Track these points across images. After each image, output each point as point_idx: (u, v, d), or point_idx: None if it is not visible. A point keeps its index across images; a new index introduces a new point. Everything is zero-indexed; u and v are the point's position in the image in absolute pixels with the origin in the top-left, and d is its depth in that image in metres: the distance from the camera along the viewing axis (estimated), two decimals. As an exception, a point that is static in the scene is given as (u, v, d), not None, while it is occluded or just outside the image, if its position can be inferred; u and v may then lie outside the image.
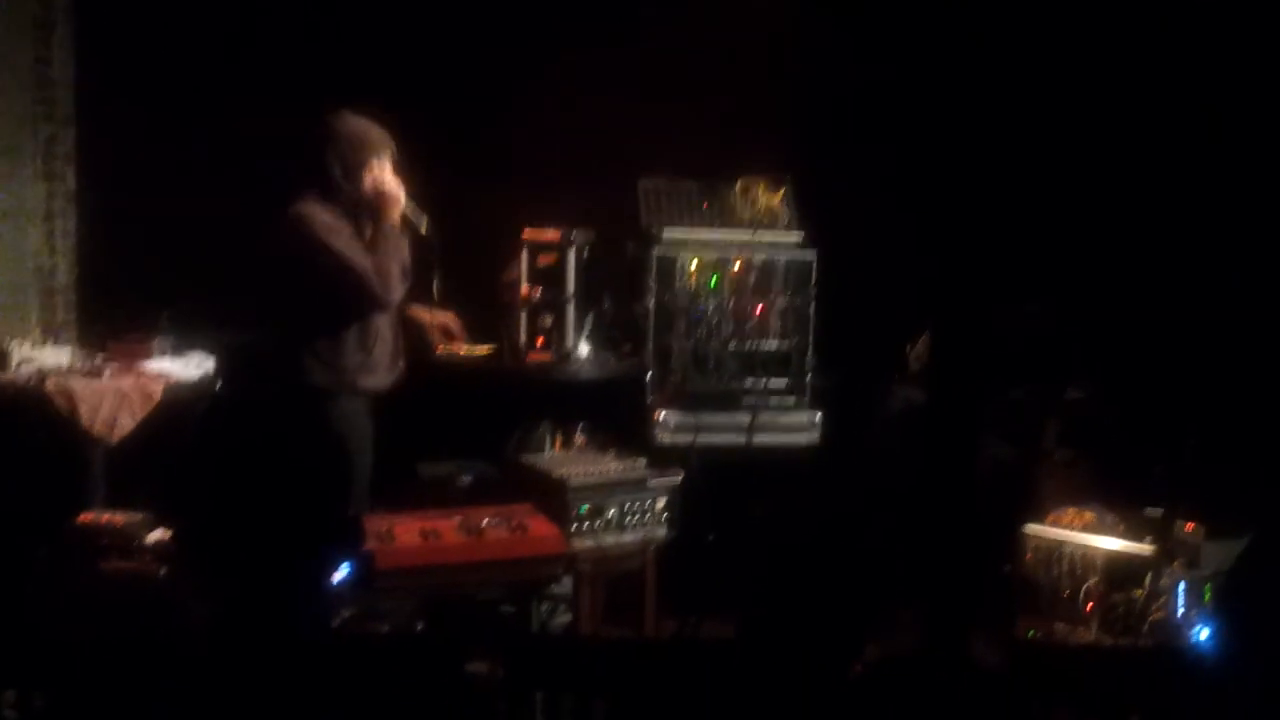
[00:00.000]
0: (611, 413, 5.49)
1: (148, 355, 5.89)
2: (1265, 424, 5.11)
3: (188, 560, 4.08)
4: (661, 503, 4.98)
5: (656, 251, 5.61)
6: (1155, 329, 5.82)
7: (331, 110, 5.02)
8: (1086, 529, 4.81)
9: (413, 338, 5.32)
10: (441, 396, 5.38)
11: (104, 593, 4.25)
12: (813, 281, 5.69)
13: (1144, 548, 4.66)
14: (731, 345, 5.67)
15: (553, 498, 4.73)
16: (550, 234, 5.60)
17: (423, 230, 5.11)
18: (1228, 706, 2.93)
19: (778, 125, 6.28)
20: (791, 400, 5.67)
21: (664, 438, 5.47)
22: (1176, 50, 5.84)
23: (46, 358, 5.72)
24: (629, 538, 4.90)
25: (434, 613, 4.18)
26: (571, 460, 5.05)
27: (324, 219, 4.85)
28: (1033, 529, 4.89)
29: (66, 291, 6.88)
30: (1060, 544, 4.80)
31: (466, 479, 5.16)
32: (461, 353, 5.66)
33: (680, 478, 5.08)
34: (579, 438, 5.33)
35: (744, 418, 5.54)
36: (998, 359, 5.55)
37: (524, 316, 5.58)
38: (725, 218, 5.77)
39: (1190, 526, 4.65)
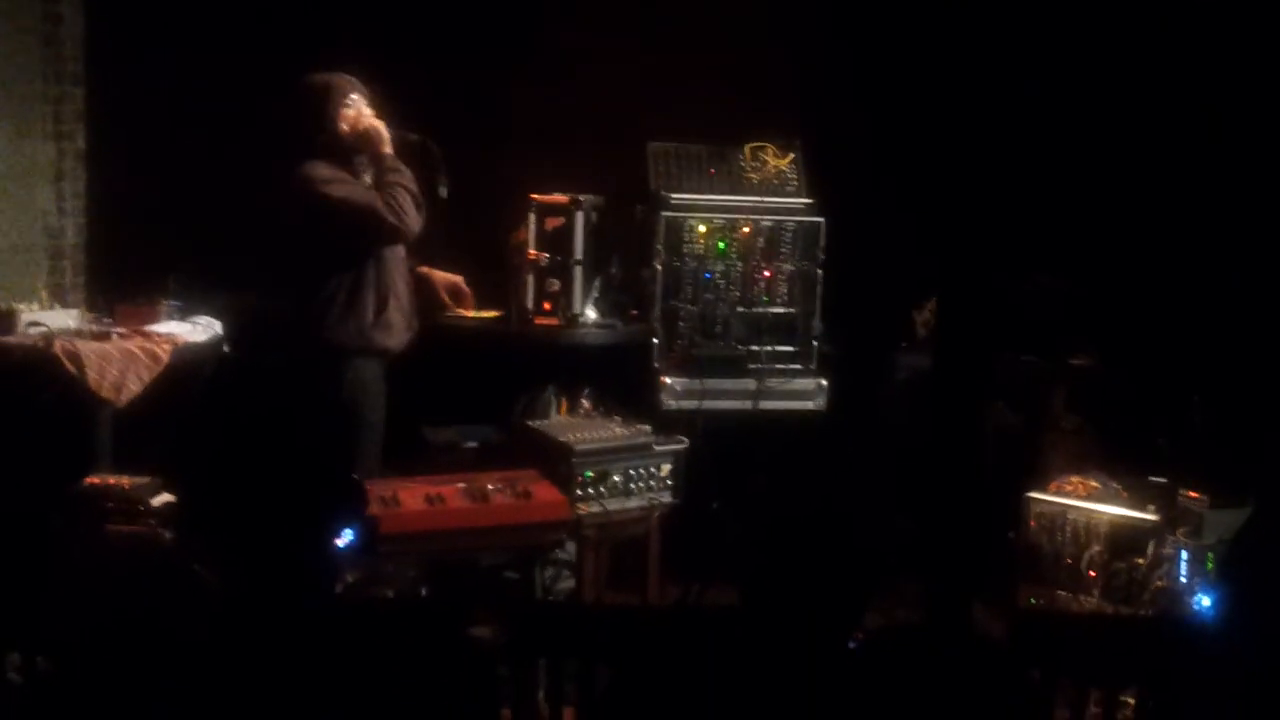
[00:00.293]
0: (618, 378, 5.49)
1: (155, 318, 5.90)
2: (1269, 393, 5.10)
3: (193, 524, 4.10)
4: (666, 469, 4.98)
5: (664, 215, 5.60)
6: (1162, 297, 5.81)
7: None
8: (1090, 497, 4.81)
9: (422, 298, 5.33)
10: (447, 360, 5.39)
11: (110, 556, 4.26)
12: (820, 247, 5.68)
13: (1147, 516, 4.65)
14: (739, 310, 5.66)
15: (558, 463, 4.74)
16: (558, 198, 5.59)
17: (412, 138, 5.08)
18: (1230, 675, 2.93)
19: (787, 90, 6.25)
20: (798, 366, 5.66)
21: (670, 403, 5.46)
22: (1184, 19, 5.80)
23: (54, 320, 5.73)
24: (633, 504, 4.91)
25: (438, 578, 4.19)
26: (577, 425, 5.06)
27: (323, 173, 4.87)
28: (1036, 496, 4.89)
29: (75, 253, 6.88)
30: (1064, 511, 4.79)
31: (471, 444, 5.17)
32: (469, 315, 5.67)
33: (686, 444, 5.08)
34: (585, 403, 5.33)
35: (750, 384, 5.54)
36: (1004, 326, 5.54)
37: (531, 280, 5.56)
38: (734, 182, 5.76)
39: (1194, 495, 4.64)
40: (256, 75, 6.25)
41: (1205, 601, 4.34)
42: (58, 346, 5.48)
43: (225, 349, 5.99)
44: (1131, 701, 3.28)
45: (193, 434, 5.42)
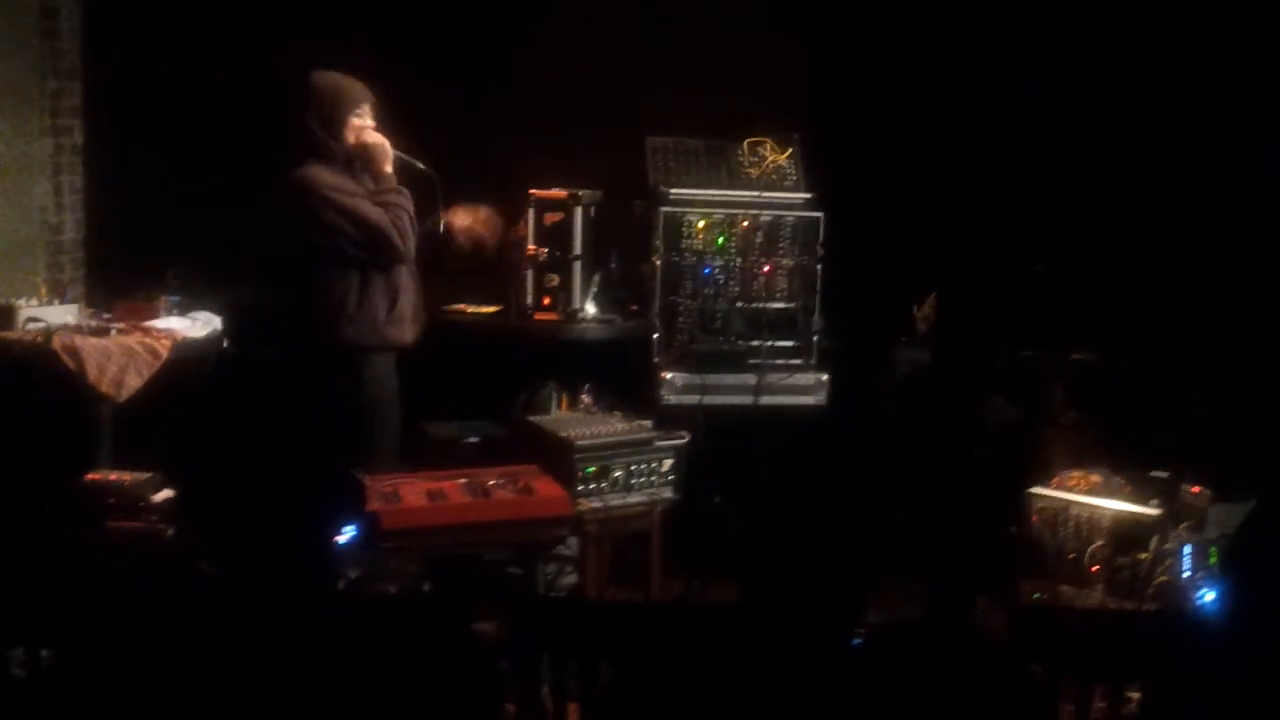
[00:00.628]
0: (618, 373, 5.49)
1: (154, 313, 5.88)
2: (1272, 386, 5.10)
3: (194, 519, 4.09)
4: (668, 464, 4.98)
5: (663, 210, 5.59)
6: (1162, 289, 5.80)
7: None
8: (1092, 491, 4.79)
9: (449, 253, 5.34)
10: (448, 356, 5.39)
11: (111, 552, 4.26)
12: (820, 241, 5.67)
13: (1150, 510, 4.64)
14: (738, 305, 5.66)
15: (559, 458, 4.74)
16: (557, 193, 5.58)
17: (420, 167, 5.11)
18: (1234, 670, 2.93)
19: (786, 84, 6.24)
20: (798, 361, 5.66)
21: (670, 398, 5.47)
22: (1183, 9, 5.80)
23: (53, 315, 5.71)
24: (635, 499, 4.91)
25: (440, 573, 4.19)
26: (578, 421, 5.06)
27: (330, 179, 4.88)
28: (1038, 491, 4.87)
29: (74, 248, 6.87)
30: (1066, 506, 4.78)
31: (472, 439, 5.17)
32: (468, 311, 5.67)
33: (686, 439, 5.08)
34: (585, 398, 5.33)
35: (750, 379, 5.54)
36: (1004, 321, 5.54)
37: (530, 276, 5.56)
38: (733, 177, 5.75)
39: (1196, 489, 4.63)
40: (254, 68, 6.25)
41: (1209, 596, 4.33)
42: (57, 342, 5.46)
43: (225, 344, 5.98)
44: (1135, 697, 3.28)
45: (193, 430, 5.41)
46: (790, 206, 5.70)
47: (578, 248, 5.55)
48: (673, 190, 5.63)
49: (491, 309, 5.71)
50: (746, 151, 5.79)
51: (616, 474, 4.85)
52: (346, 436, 4.85)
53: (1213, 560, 4.47)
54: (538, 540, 4.38)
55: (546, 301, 5.56)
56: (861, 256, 5.84)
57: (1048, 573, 4.78)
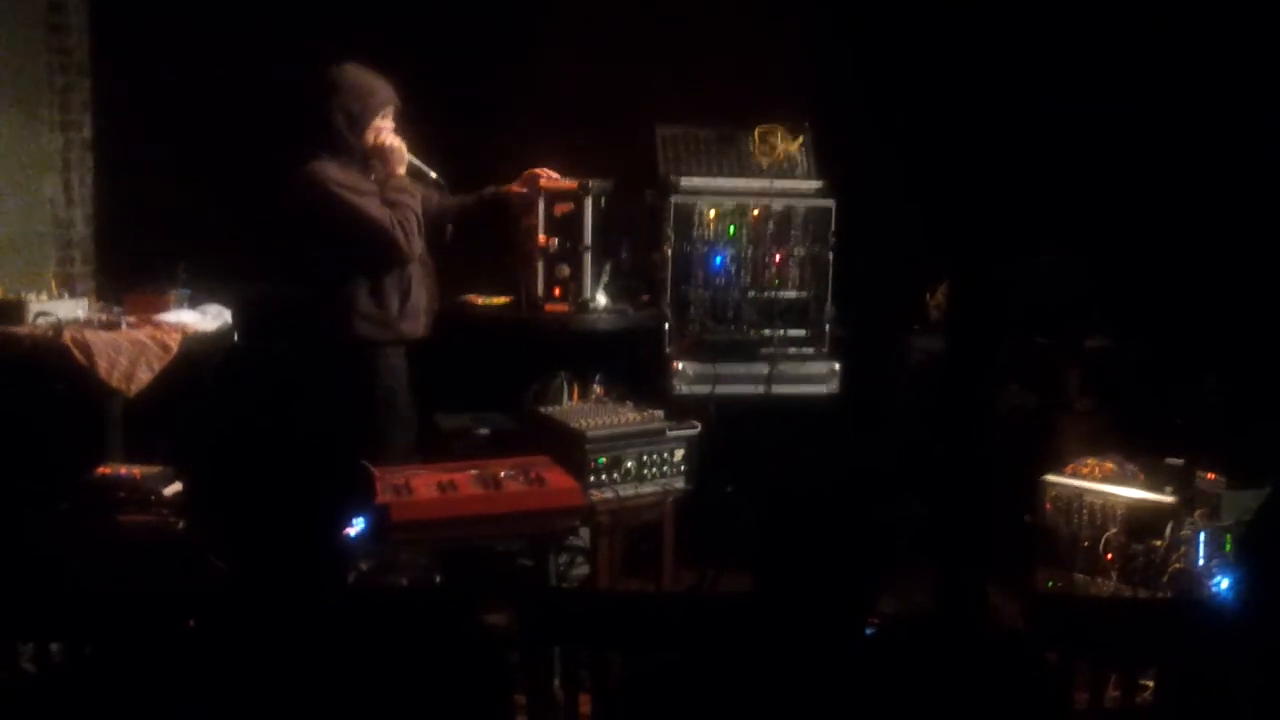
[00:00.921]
0: (629, 363, 5.48)
1: (165, 307, 5.88)
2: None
3: (203, 513, 4.08)
4: (680, 454, 4.96)
5: (674, 200, 5.58)
6: (1176, 276, 5.78)
7: (336, 62, 5.01)
8: (1106, 479, 4.78)
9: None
10: (458, 347, 5.38)
11: (122, 546, 4.25)
12: (831, 230, 5.65)
13: (1165, 497, 4.63)
14: (750, 295, 5.64)
15: (570, 449, 4.72)
16: (567, 183, 5.56)
17: (432, 176, 5.12)
18: (1249, 657, 2.91)
19: (796, 72, 6.22)
20: (810, 350, 5.64)
21: (682, 388, 5.45)
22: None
23: (63, 310, 5.71)
24: (647, 489, 4.89)
25: (451, 565, 4.18)
26: (589, 411, 5.04)
27: (336, 175, 4.88)
28: (1052, 479, 4.86)
29: (84, 242, 6.87)
30: (1080, 494, 4.77)
31: (483, 431, 5.16)
32: (480, 302, 5.66)
33: (698, 429, 5.06)
34: (596, 389, 5.32)
35: (762, 368, 5.52)
36: (1017, 307, 5.52)
37: (541, 266, 5.54)
38: (743, 166, 5.73)
39: (1211, 476, 4.61)
40: (263, 63, 6.24)
41: (1224, 583, 4.32)
42: (67, 336, 5.46)
43: (235, 338, 5.97)
44: (1150, 684, 3.26)
45: (203, 423, 5.41)
46: (801, 195, 5.68)
47: (588, 238, 5.52)
48: (683, 179, 5.62)
49: (502, 300, 5.69)
50: (757, 140, 5.77)
51: (628, 464, 4.83)
52: (360, 430, 4.84)
53: (1228, 547, 4.45)
54: (549, 531, 4.36)
55: (557, 292, 5.54)
56: (873, 244, 5.82)
57: (1062, 561, 4.78)
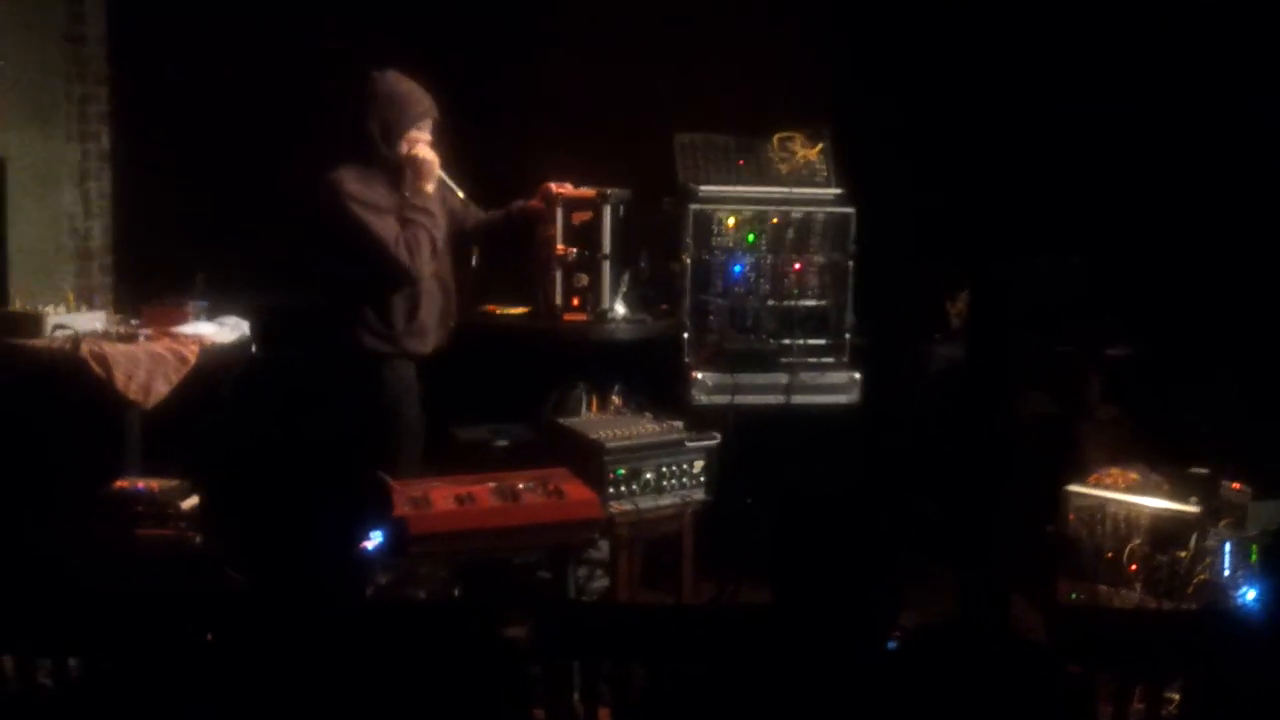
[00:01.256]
0: (648, 373, 5.45)
1: (182, 319, 5.87)
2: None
3: (220, 526, 4.08)
4: (699, 465, 4.94)
5: (693, 208, 5.55)
6: (1200, 284, 5.74)
7: (376, 68, 5.00)
8: (1130, 489, 4.76)
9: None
10: (476, 359, 5.36)
11: (139, 559, 4.25)
12: (851, 238, 5.62)
13: (1189, 507, 4.59)
14: (769, 303, 5.61)
15: (589, 461, 4.71)
16: (585, 191, 5.55)
17: (460, 195, 5.12)
18: (1275, 669, 2.88)
19: (815, 79, 6.20)
20: (830, 360, 5.61)
21: (701, 398, 5.42)
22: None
23: (81, 322, 5.70)
24: (666, 501, 4.87)
25: (470, 578, 4.16)
26: (608, 422, 5.02)
27: (353, 188, 4.86)
28: (1075, 489, 4.84)
29: (101, 254, 6.87)
30: (1103, 504, 4.74)
31: (502, 442, 5.14)
32: (498, 312, 5.65)
33: (718, 439, 5.04)
34: (615, 399, 5.30)
35: (782, 378, 5.49)
36: (1039, 315, 5.49)
37: (559, 276, 5.52)
38: (763, 173, 5.70)
39: (1236, 485, 4.58)
40: (281, 71, 6.25)
41: (1249, 594, 4.28)
42: (85, 349, 5.46)
43: (253, 349, 5.97)
44: (1175, 697, 3.23)
45: (220, 435, 5.40)
46: (821, 203, 5.65)
47: (607, 247, 5.50)
48: (702, 187, 5.59)
49: (520, 310, 5.68)
50: (776, 147, 5.75)
51: (647, 476, 4.81)
52: (371, 441, 4.83)
53: (1253, 558, 4.42)
54: (568, 544, 4.35)
55: (576, 302, 5.52)
56: (893, 252, 5.79)
57: (1085, 572, 4.75)
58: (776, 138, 5.76)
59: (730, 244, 5.60)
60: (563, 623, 3.19)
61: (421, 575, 4.11)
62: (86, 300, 6.27)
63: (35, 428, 5.41)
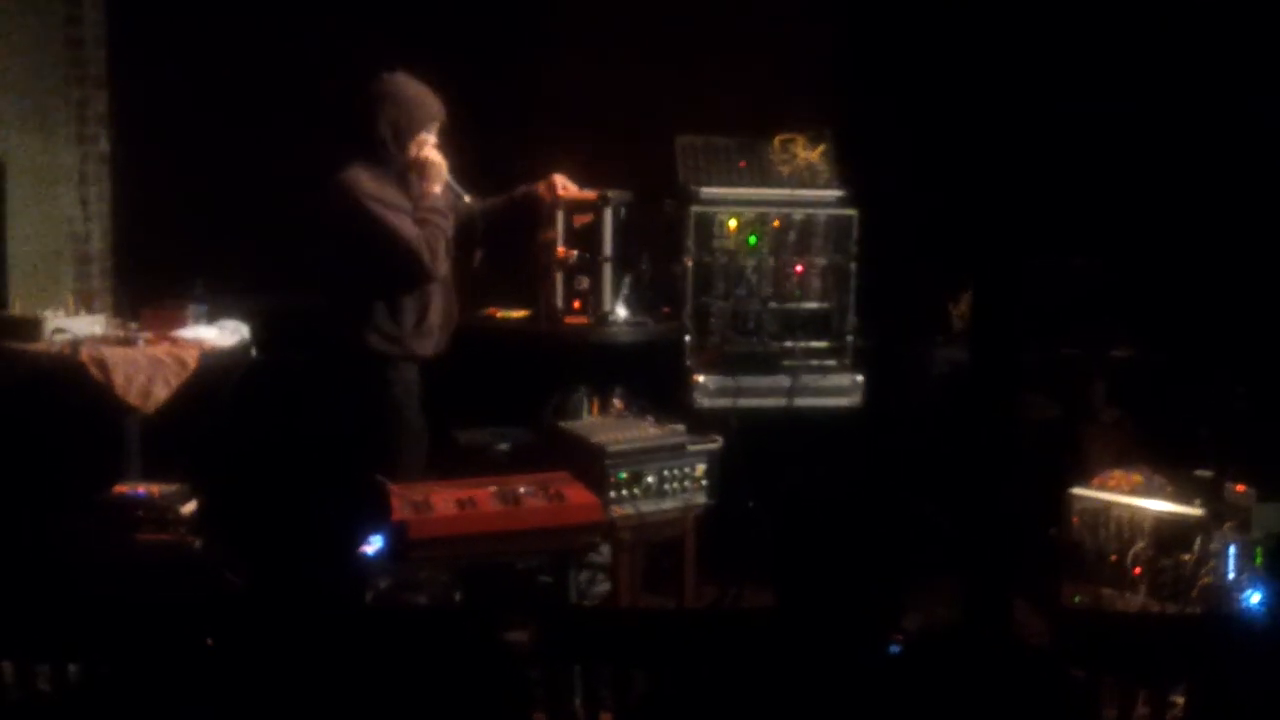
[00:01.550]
0: (649, 376, 5.44)
1: (182, 322, 5.86)
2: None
3: (220, 531, 4.07)
4: (701, 469, 4.92)
5: (694, 210, 5.54)
6: (1203, 285, 5.73)
7: (382, 70, 5.00)
8: (1134, 491, 4.74)
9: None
10: (477, 362, 5.35)
11: (139, 564, 4.25)
12: (854, 240, 5.61)
13: (1193, 510, 4.58)
14: (771, 306, 5.60)
15: (590, 464, 4.69)
16: (586, 194, 5.54)
17: (466, 199, 5.11)
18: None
19: (817, 81, 6.19)
20: (833, 362, 5.60)
21: (703, 401, 5.41)
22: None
23: (80, 326, 5.70)
24: (668, 505, 4.85)
25: (471, 582, 4.15)
26: (609, 426, 5.01)
27: (370, 187, 4.86)
28: (1078, 491, 4.82)
29: (101, 258, 6.87)
30: (1107, 507, 4.72)
31: (503, 446, 5.14)
32: (499, 315, 5.64)
33: (720, 443, 5.03)
34: (617, 403, 5.29)
35: (784, 380, 5.48)
36: (1043, 317, 5.48)
37: (560, 279, 5.51)
38: (764, 175, 5.69)
39: (1241, 488, 4.56)
40: (281, 74, 6.24)
41: (1254, 597, 4.27)
42: (84, 353, 5.45)
43: (253, 353, 5.96)
44: (1180, 701, 3.22)
45: (220, 439, 5.40)
46: (823, 204, 5.64)
47: (608, 249, 5.49)
48: (703, 189, 5.58)
49: (521, 313, 5.67)
50: (778, 149, 5.73)
51: (649, 480, 4.80)
52: (374, 444, 4.82)
53: (1258, 561, 4.41)
54: (569, 548, 4.34)
55: (577, 305, 5.51)
56: (896, 254, 5.78)
57: (1089, 575, 4.73)
58: (778, 139, 5.74)
59: (732, 246, 5.58)
60: (564, 627, 3.18)
61: (422, 579, 4.11)
62: (86, 304, 6.26)
63: (35, 432, 5.41)
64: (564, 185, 5.42)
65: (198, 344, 5.72)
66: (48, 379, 5.46)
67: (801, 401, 5.47)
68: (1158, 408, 5.47)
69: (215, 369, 5.75)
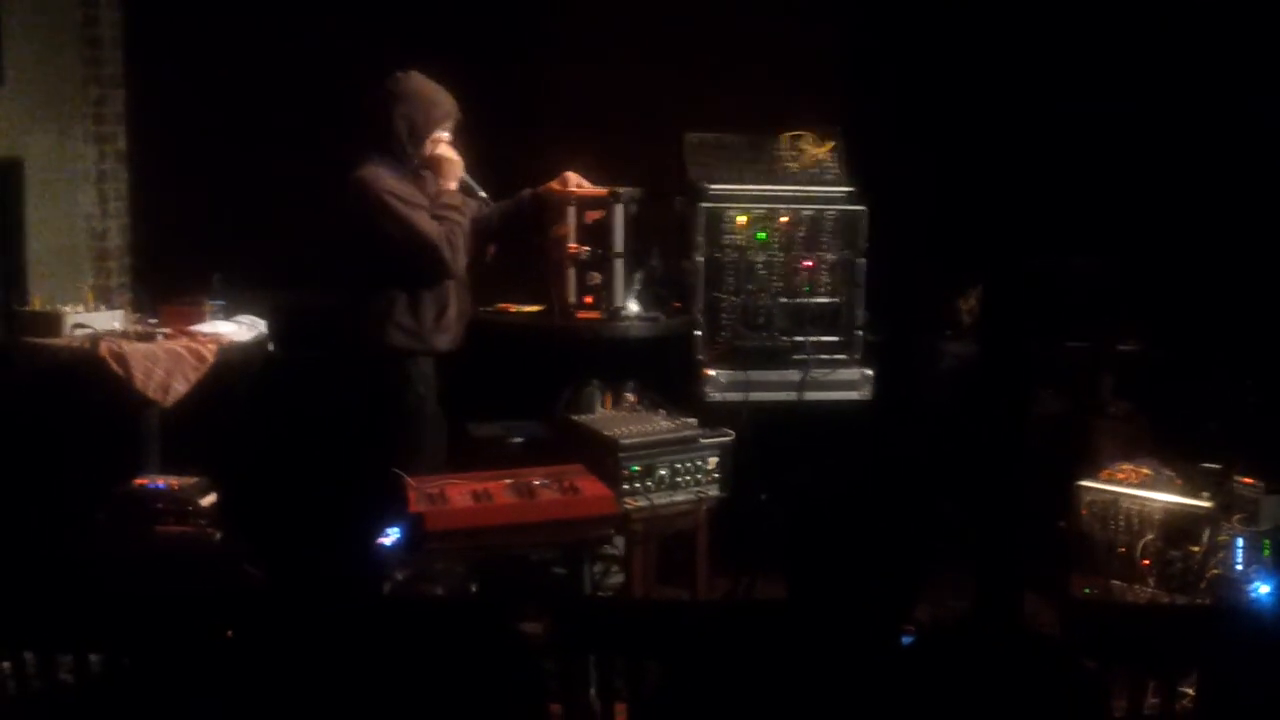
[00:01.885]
0: (661, 370, 5.46)
1: (200, 317, 5.90)
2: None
3: (239, 523, 4.10)
4: (713, 462, 4.96)
5: (704, 206, 5.56)
6: (1211, 277, 5.75)
7: (396, 68, 5.03)
8: (1142, 484, 4.76)
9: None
10: (491, 356, 5.38)
11: (159, 557, 4.28)
12: (863, 235, 5.63)
13: (1201, 502, 4.60)
14: (781, 301, 5.62)
15: (604, 458, 4.72)
16: (597, 190, 5.56)
17: (481, 194, 5.14)
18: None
19: (826, 77, 6.21)
20: (843, 356, 5.61)
21: (715, 395, 5.42)
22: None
23: (99, 321, 5.74)
24: (681, 497, 4.89)
25: (486, 574, 4.19)
26: (622, 419, 5.04)
27: (390, 184, 4.89)
28: (1087, 484, 4.84)
29: (119, 254, 6.91)
30: (1116, 499, 4.74)
31: (517, 439, 5.16)
32: (511, 310, 5.67)
33: (731, 436, 5.06)
34: (629, 396, 5.31)
35: (795, 375, 5.50)
36: (1051, 311, 5.49)
37: (572, 274, 5.54)
38: (773, 171, 5.71)
39: (1249, 480, 4.58)
40: (297, 70, 6.28)
41: (1262, 589, 4.29)
42: (103, 348, 5.50)
43: (271, 348, 6.00)
44: (1190, 692, 3.25)
45: (239, 433, 5.43)
46: (832, 200, 5.64)
47: (619, 245, 5.51)
48: (713, 186, 5.59)
49: (534, 308, 5.69)
50: (786, 145, 5.75)
51: (662, 472, 4.83)
52: (393, 438, 4.86)
53: (1266, 552, 4.42)
54: (583, 540, 4.37)
55: (589, 300, 5.52)
56: (905, 249, 5.80)
57: (1098, 567, 4.75)
58: (787, 136, 5.75)
59: (742, 242, 5.60)
60: (578, 618, 3.21)
61: (438, 571, 4.14)
62: (105, 300, 6.30)
63: (55, 426, 5.45)
64: (577, 182, 5.45)
65: (216, 339, 5.76)
66: (68, 373, 5.50)
67: (812, 395, 5.48)
68: (1166, 401, 5.48)
69: (233, 364, 5.79)
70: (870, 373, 5.58)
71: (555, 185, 5.45)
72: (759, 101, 6.04)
